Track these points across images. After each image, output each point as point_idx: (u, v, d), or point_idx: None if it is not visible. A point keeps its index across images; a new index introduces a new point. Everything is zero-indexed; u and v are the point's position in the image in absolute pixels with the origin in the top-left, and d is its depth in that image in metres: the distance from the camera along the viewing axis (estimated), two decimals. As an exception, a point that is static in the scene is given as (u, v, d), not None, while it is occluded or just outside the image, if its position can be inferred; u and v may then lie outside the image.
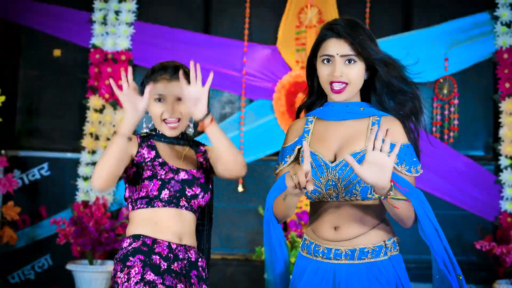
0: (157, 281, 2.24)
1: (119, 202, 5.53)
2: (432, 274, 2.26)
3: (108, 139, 5.54)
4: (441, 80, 5.50)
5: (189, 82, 2.30)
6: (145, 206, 2.34)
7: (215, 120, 2.31)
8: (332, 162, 2.22)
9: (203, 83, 2.26)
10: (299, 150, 2.33)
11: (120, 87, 2.26)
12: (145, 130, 2.48)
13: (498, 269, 5.19)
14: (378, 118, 2.26)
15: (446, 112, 5.52)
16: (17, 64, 5.73)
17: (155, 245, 2.30)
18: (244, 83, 5.61)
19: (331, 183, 2.20)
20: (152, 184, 2.31)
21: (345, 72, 2.22)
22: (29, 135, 5.73)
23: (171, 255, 2.31)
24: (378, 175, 1.98)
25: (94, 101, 5.54)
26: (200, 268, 2.39)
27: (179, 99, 2.39)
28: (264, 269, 2.45)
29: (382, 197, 2.04)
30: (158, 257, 2.29)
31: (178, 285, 2.27)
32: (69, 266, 5.07)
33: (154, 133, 2.45)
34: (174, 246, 2.32)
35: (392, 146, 2.15)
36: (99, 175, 2.24)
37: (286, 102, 5.54)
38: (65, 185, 5.62)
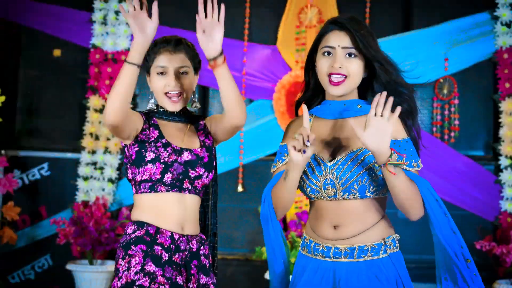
0: (157, 273, 2.25)
1: (119, 202, 5.53)
2: (436, 266, 2.27)
3: (108, 139, 5.54)
4: (441, 80, 5.50)
5: (190, 53, 2.33)
6: (148, 191, 2.33)
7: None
8: (330, 161, 2.22)
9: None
10: None
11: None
12: (149, 106, 2.45)
13: (498, 269, 5.19)
14: None
15: (446, 112, 5.52)
16: (17, 64, 5.73)
17: (158, 235, 2.30)
18: (244, 83, 5.61)
19: (329, 182, 2.21)
20: (155, 167, 2.30)
21: (345, 64, 2.23)
22: (29, 135, 5.74)
23: (173, 246, 2.31)
24: (379, 140, 2.04)
25: (94, 101, 5.55)
26: (203, 257, 2.40)
27: (182, 72, 2.39)
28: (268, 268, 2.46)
29: (382, 165, 2.08)
30: (160, 247, 2.29)
31: (177, 277, 2.28)
32: (69, 266, 5.07)
33: (156, 109, 2.43)
34: (176, 237, 2.32)
35: (392, 141, 2.17)
36: (112, 107, 2.17)
37: (286, 102, 5.54)
38: (65, 185, 5.62)
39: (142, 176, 2.32)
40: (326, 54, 2.26)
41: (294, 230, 5.25)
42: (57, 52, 5.73)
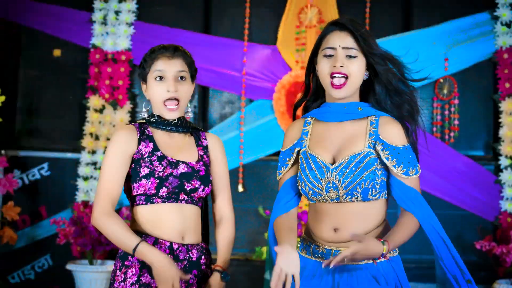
0: (152, 284, 2.24)
1: (119, 202, 5.51)
2: (437, 276, 2.27)
3: (108, 139, 5.54)
4: (441, 80, 5.50)
5: (187, 59, 2.35)
6: (144, 203, 2.32)
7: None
8: (332, 164, 2.22)
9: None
10: (298, 152, 2.33)
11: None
12: (142, 115, 2.42)
13: (498, 269, 5.19)
14: (376, 118, 2.26)
15: (446, 112, 5.52)
16: (17, 64, 5.73)
17: (156, 246, 2.28)
18: (244, 83, 5.61)
19: (331, 185, 2.20)
20: (150, 183, 2.28)
21: (346, 64, 2.22)
22: (29, 135, 5.73)
23: (171, 256, 2.28)
24: (369, 256, 2.11)
25: (94, 101, 5.54)
26: (203, 266, 2.37)
27: (180, 77, 2.36)
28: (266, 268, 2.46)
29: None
30: None
31: None
32: (69, 266, 5.07)
33: (152, 119, 2.39)
34: (175, 246, 2.30)
35: (392, 147, 2.17)
36: (100, 229, 2.29)
37: (286, 102, 5.54)
38: (65, 185, 5.62)
39: (137, 191, 2.31)
40: (327, 55, 2.26)
41: (294, 230, 5.25)
42: (57, 52, 5.73)
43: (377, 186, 2.18)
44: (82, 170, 5.52)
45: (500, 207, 5.40)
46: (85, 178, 5.52)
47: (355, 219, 2.21)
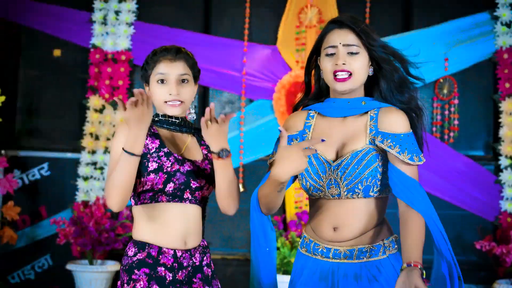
0: None
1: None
2: (432, 273, 2.26)
3: (108, 139, 5.54)
4: (441, 80, 5.50)
5: (189, 61, 2.35)
6: (148, 201, 2.30)
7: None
8: (334, 161, 2.22)
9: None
10: None
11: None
12: None
13: (498, 269, 5.19)
14: (376, 112, 2.25)
15: (446, 112, 5.52)
16: (17, 64, 5.73)
17: (160, 256, 2.28)
18: (244, 83, 5.61)
19: (333, 182, 2.20)
20: (158, 177, 2.27)
21: (348, 61, 2.22)
22: (29, 135, 5.74)
23: (176, 265, 2.29)
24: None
25: (94, 101, 5.55)
26: (205, 268, 2.38)
27: (182, 80, 2.36)
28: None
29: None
30: (163, 268, 2.27)
31: None
32: (69, 266, 5.07)
33: (156, 118, 2.40)
34: (179, 254, 2.30)
35: (393, 135, 2.16)
36: (115, 200, 2.20)
37: (286, 102, 5.54)
38: (65, 185, 5.62)
39: (143, 187, 2.29)
40: (329, 54, 2.25)
41: (294, 230, 5.25)
42: (57, 52, 5.73)
43: (379, 184, 2.18)
44: (82, 170, 5.52)
45: (500, 207, 5.40)
46: (85, 178, 5.52)
47: (355, 216, 2.21)
